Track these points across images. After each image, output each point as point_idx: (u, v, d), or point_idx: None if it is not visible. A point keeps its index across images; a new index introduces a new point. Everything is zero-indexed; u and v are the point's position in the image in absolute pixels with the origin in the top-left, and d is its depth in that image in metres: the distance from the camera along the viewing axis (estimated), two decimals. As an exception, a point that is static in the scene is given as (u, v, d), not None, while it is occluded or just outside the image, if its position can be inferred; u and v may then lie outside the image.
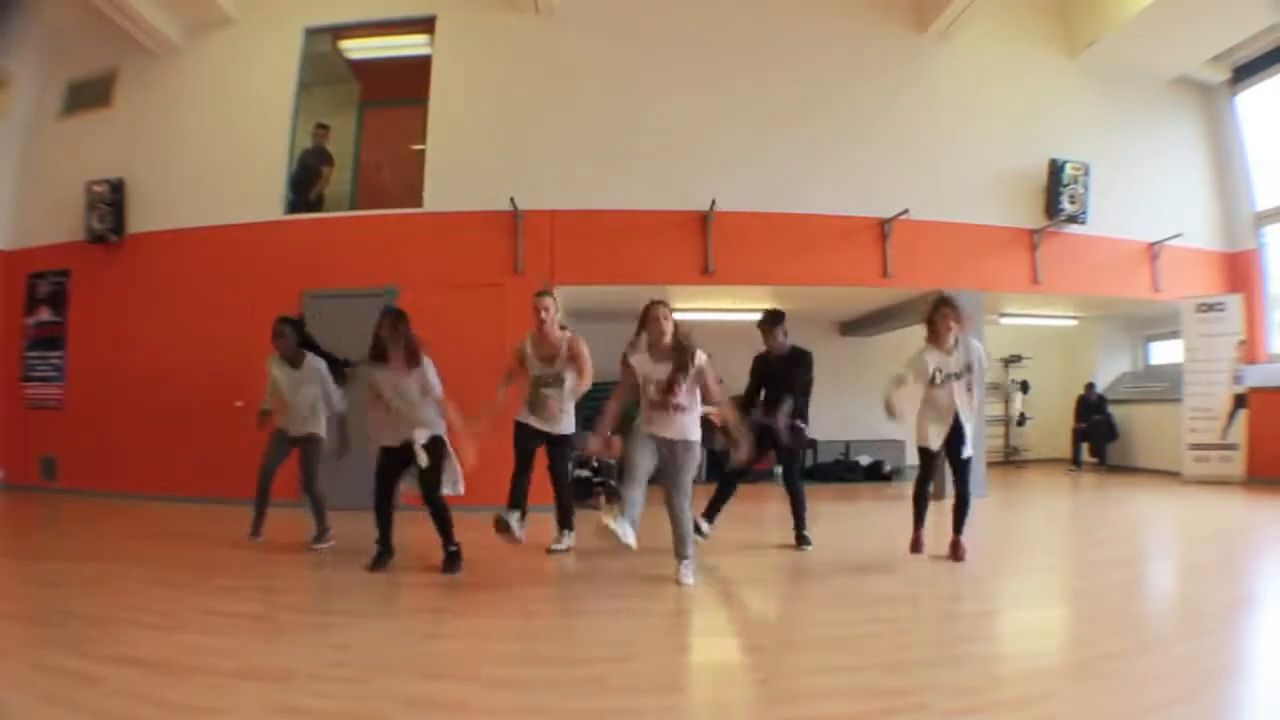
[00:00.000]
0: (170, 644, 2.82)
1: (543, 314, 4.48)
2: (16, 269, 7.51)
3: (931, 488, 4.55)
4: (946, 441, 4.34)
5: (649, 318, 3.85)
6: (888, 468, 8.79)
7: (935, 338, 4.33)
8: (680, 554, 3.90)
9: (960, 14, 7.02)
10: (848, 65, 7.20)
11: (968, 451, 4.33)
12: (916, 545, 4.49)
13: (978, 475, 7.03)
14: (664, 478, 3.88)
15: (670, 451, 3.83)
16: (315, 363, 4.80)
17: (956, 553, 4.40)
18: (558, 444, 4.67)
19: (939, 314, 4.29)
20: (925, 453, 4.46)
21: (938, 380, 4.29)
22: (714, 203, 6.68)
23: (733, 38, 7.11)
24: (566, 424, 4.65)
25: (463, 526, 4.23)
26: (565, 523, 4.84)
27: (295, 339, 4.75)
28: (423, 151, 6.85)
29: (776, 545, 4.88)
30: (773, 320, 4.92)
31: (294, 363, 4.76)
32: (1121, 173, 7.73)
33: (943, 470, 4.64)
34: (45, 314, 7.42)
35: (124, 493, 6.71)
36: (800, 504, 4.86)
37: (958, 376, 4.28)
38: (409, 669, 2.63)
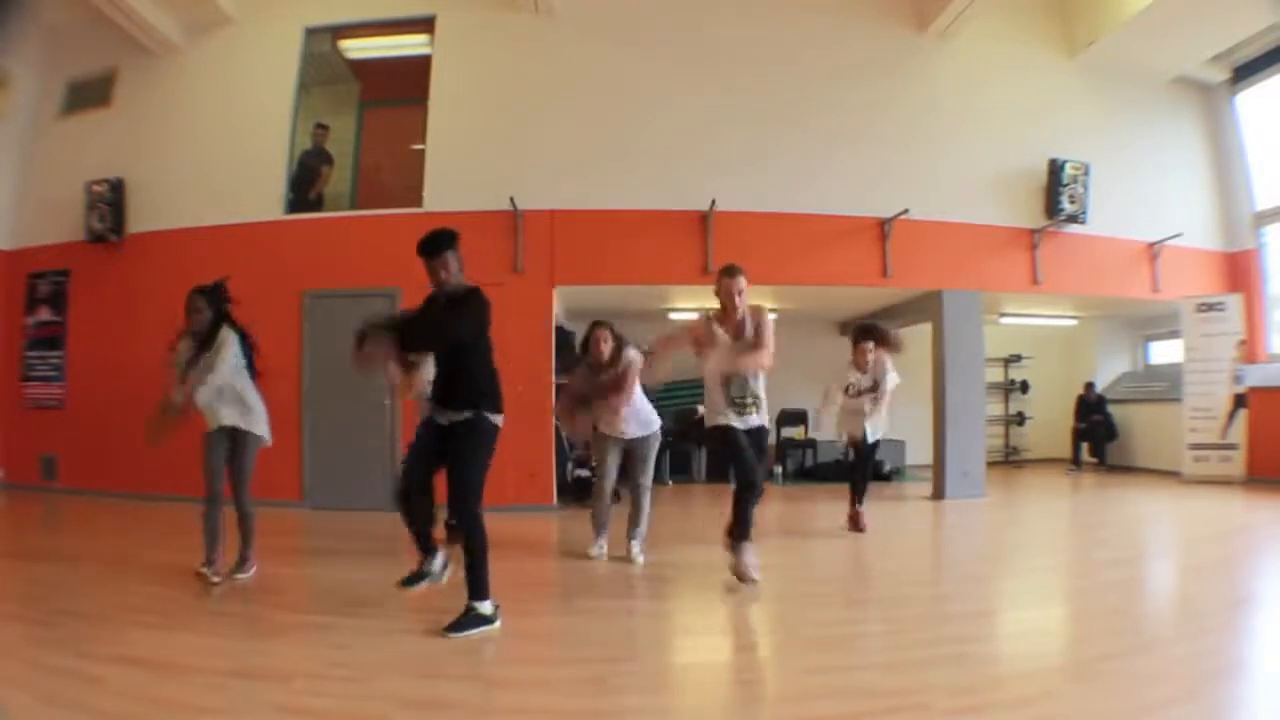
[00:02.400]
0: (170, 644, 2.82)
1: (738, 298, 3.70)
2: (16, 269, 7.51)
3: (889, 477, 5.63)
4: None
5: (592, 339, 4.35)
6: (888, 467, 8.78)
7: (856, 361, 5.34)
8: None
9: (960, 13, 7.01)
10: (848, 65, 7.19)
11: (874, 438, 5.47)
12: (855, 522, 5.33)
13: (977, 476, 7.08)
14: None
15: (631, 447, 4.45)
16: (228, 337, 3.86)
17: (856, 524, 5.33)
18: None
19: (860, 344, 5.31)
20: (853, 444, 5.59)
21: (850, 392, 5.35)
22: (714, 203, 6.68)
23: (733, 37, 7.10)
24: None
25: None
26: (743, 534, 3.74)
27: (211, 312, 3.89)
28: (423, 151, 6.85)
29: (775, 543, 4.88)
30: (437, 244, 3.40)
31: (206, 341, 3.86)
32: (1121, 173, 7.72)
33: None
34: (45, 314, 7.42)
35: (124, 493, 6.71)
36: (479, 547, 3.00)
37: (870, 390, 5.32)
38: (409, 669, 2.63)
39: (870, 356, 5.31)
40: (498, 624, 2.99)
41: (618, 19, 7.03)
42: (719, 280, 3.73)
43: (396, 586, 3.20)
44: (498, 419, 3.12)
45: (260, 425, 3.94)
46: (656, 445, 4.50)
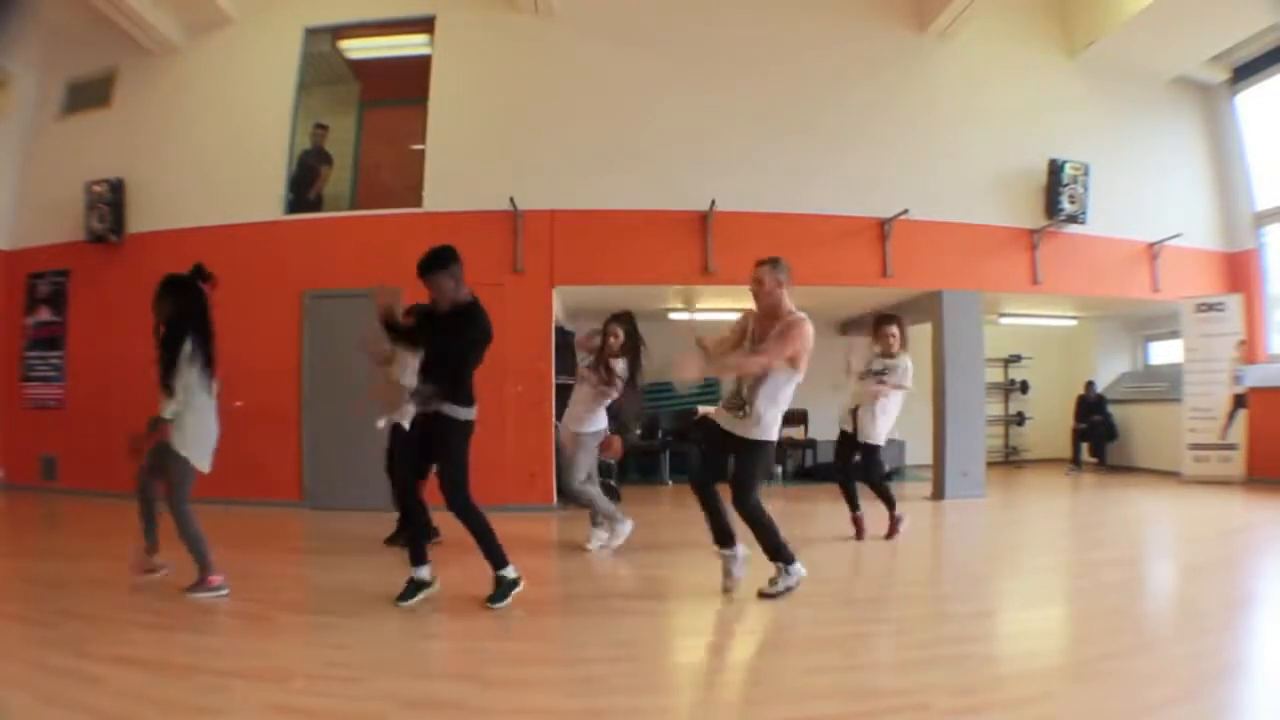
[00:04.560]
0: (170, 644, 2.83)
1: (758, 288, 3.62)
2: (16, 269, 7.50)
3: (885, 479, 5.37)
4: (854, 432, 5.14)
5: (607, 332, 4.60)
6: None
7: (880, 343, 5.12)
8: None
9: (960, 13, 7.00)
10: (848, 65, 7.19)
11: (873, 440, 5.11)
12: (858, 530, 5.05)
13: (977, 476, 7.07)
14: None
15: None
16: (186, 346, 3.54)
17: (894, 526, 5.09)
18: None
19: (884, 328, 5.11)
20: (842, 435, 5.25)
21: (865, 374, 5.13)
22: (714, 203, 6.67)
23: (732, 37, 7.10)
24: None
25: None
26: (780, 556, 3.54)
27: (172, 306, 3.56)
28: (423, 151, 6.85)
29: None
30: (435, 263, 3.43)
31: (165, 344, 3.56)
32: (1121, 173, 7.71)
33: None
34: (45, 314, 7.42)
35: (124, 493, 6.67)
36: (482, 528, 3.33)
37: (879, 374, 5.07)
38: (408, 669, 2.63)
39: (895, 342, 5.11)
40: (522, 584, 3.34)
41: (618, 19, 7.03)
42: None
43: (395, 604, 3.30)
44: (469, 413, 3.33)
45: (186, 446, 3.61)
46: (591, 445, 4.64)
